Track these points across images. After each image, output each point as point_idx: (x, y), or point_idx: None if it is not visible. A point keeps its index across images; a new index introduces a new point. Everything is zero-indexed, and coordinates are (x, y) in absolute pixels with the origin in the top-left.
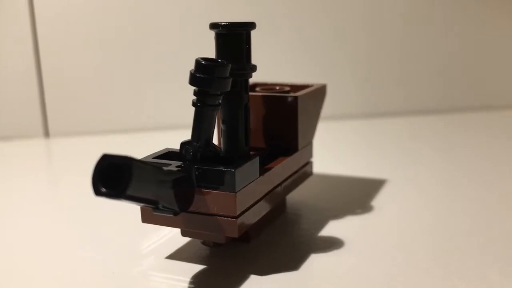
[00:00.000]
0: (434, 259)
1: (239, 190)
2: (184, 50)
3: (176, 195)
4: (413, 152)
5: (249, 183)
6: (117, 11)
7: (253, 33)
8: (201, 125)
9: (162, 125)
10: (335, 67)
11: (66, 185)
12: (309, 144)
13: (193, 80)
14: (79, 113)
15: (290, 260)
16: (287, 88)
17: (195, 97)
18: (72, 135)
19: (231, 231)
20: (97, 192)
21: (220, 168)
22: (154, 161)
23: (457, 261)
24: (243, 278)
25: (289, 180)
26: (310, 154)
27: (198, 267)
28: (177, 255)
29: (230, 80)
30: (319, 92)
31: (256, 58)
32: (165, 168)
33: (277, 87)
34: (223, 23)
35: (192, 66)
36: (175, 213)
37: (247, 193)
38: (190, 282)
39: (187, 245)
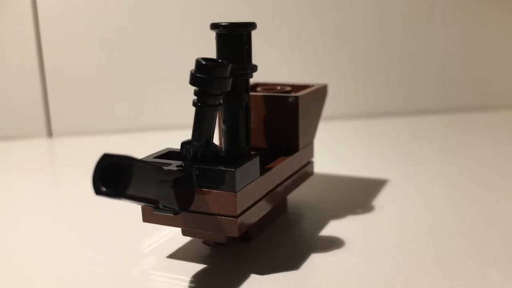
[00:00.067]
0: (434, 259)
1: (239, 190)
2: (185, 50)
3: (176, 194)
4: (413, 152)
5: (250, 183)
6: (119, 12)
7: (254, 33)
8: (201, 125)
9: (164, 125)
10: (336, 67)
11: (68, 185)
12: (310, 144)
13: (193, 80)
14: (82, 113)
15: (291, 260)
16: (288, 88)
17: (195, 97)
18: (75, 135)
19: (231, 231)
20: (98, 191)
21: (220, 168)
22: (154, 161)
23: (457, 261)
24: (244, 277)
25: (289, 180)
26: (311, 154)
27: (199, 267)
28: (178, 255)
29: (231, 80)
30: (320, 92)
31: (257, 58)
32: (165, 167)
33: (278, 87)
34: (224, 24)
35: (192, 66)
36: (175, 213)
37: (248, 193)
38: (191, 282)
39: (188, 244)
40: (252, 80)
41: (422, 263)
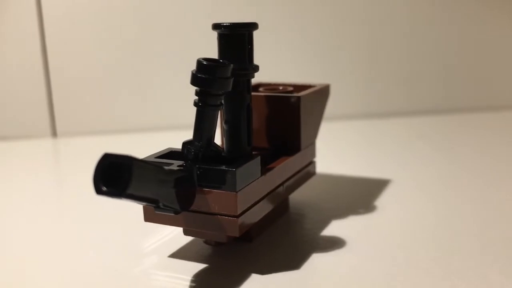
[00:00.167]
0: (435, 259)
1: (240, 190)
2: (188, 50)
3: (177, 194)
4: (415, 152)
5: (251, 183)
6: (123, 12)
7: (256, 33)
8: (202, 125)
9: (167, 126)
10: (337, 67)
11: (72, 185)
12: (312, 144)
13: (194, 80)
14: (87, 113)
15: (292, 260)
16: (290, 88)
17: (196, 97)
18: (79, 135)
19: (232, 230)
20: (98, 190)
21: (221, 168)
22: (155, 161)
23: (457, 261)
24: (245, 277)
25: (291, 180)
26: (313, 154)
27: (200, 266)
28: (179, 254)
29: (232, 80)
30: (322, 92)
31: (259, 58)
32: (166, 167)
33: (281, 87)
34: (225, 24)
35: (195, 66)
36: (176, 212)
37: (248, 193)
38: (192, 281)
39: (189, 244)
40: (254, 80)
41: (423, 263)
